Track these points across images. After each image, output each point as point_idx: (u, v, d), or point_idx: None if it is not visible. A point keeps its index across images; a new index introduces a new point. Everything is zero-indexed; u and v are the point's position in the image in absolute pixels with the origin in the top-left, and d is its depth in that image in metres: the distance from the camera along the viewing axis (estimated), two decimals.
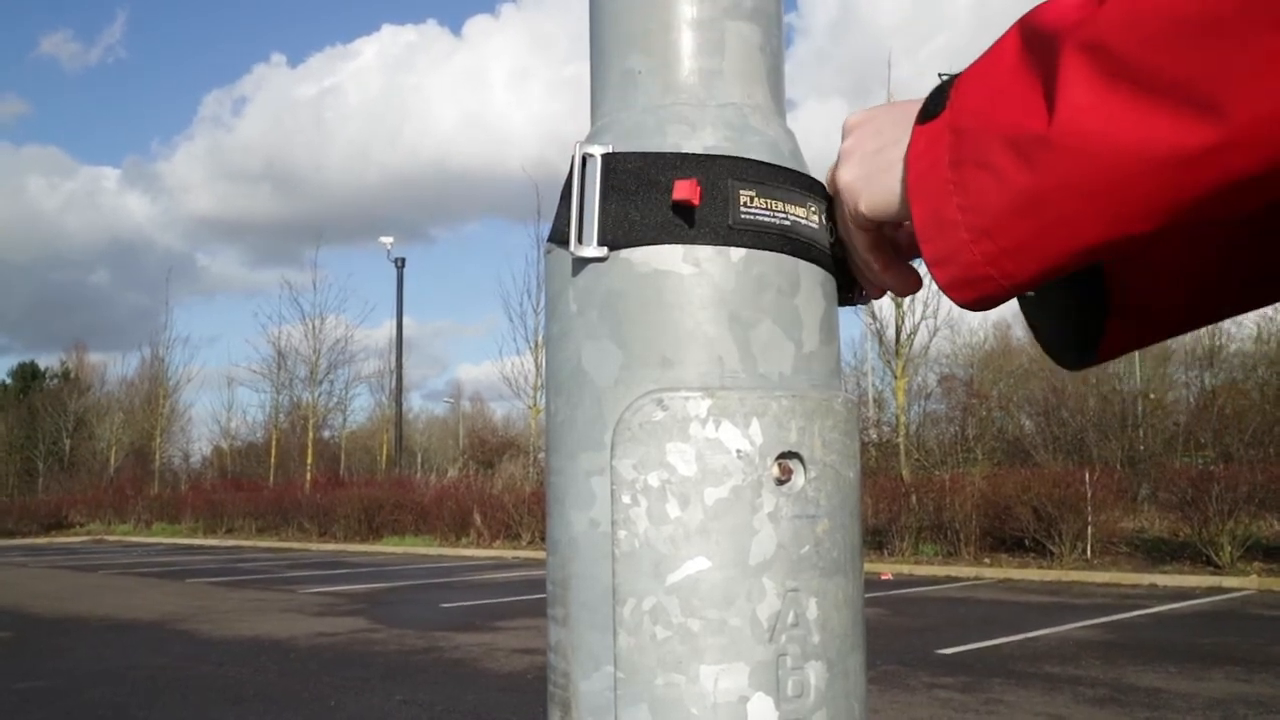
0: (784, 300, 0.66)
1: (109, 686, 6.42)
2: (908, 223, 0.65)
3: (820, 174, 0.71)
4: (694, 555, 0.62)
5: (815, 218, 0.69)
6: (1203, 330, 23.14)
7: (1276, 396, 20.24)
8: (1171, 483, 14.33)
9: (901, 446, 19.55)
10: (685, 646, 0.61)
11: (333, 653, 7.63)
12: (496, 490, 21.69)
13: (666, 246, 0.65)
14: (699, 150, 0.66)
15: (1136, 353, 21.17)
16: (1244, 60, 0.45)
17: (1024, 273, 0.57)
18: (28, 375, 44.62)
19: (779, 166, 0.68)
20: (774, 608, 0.62)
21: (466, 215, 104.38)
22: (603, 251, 0.65)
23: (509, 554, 18.03)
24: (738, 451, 0.63)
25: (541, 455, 21.02)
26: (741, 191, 0.65)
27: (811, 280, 0.68)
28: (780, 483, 0.64)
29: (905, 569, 13.76)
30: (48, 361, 50.78)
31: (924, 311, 19.29)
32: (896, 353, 19.62)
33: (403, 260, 29.05)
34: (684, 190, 0.64)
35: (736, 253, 0.65)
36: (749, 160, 0.66)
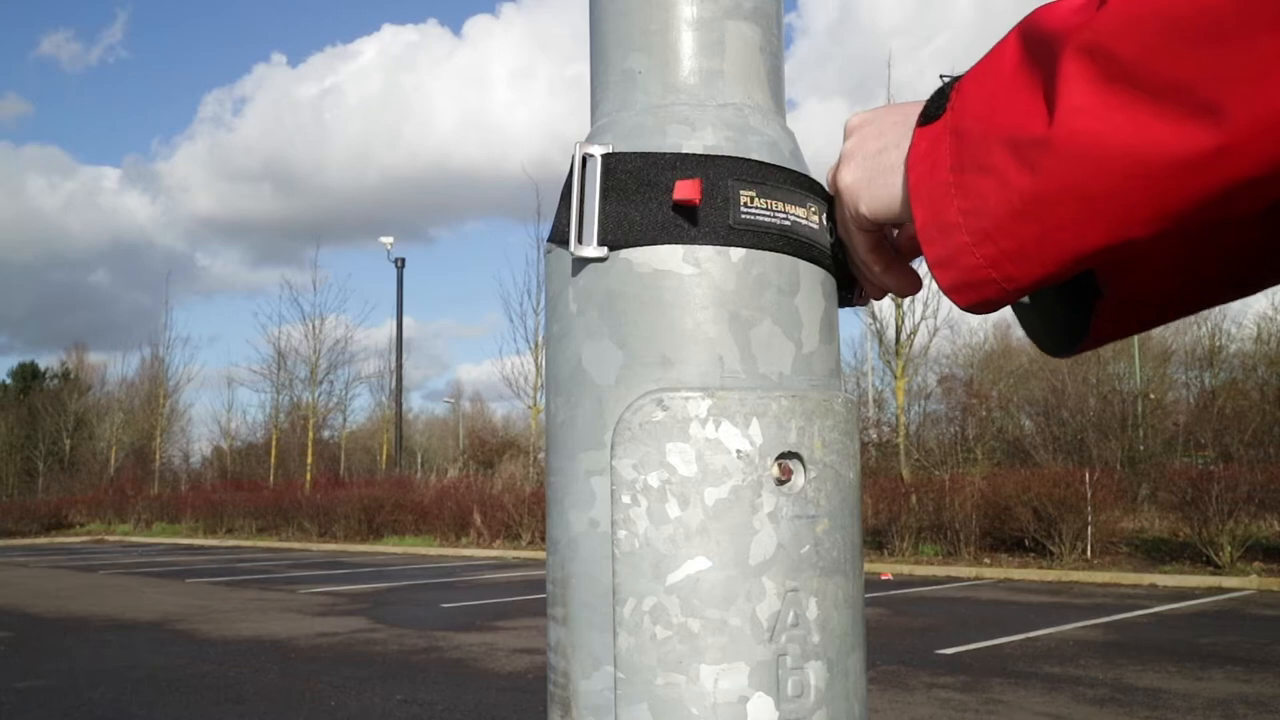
0: (784, 300, 0.66)
1: (109, 686, 6.42)
2: (908, 224, 0.65)
3: (820, 174, 0.71)
4: (694, 555, 0.62)
5: (815, 218, 0.69)
6: (1203, 330, 23.16)
7: (1276, 396, 20.23)
8: (1171, 483, 14.31)
9: (901, 447, 19.53)
10: (685, 646, 0.61)
11: (333, 653, 7.62)
12: (496, 490, 21.66)
13: (666, 246, 0.65)
14: (699, 150, 0.66)
15: (1136, 353, 21.18)
16: (1243, 63, 0.45)
17: (1026, 276, 0.57)
18: (28, 375, 44.63)
19: (779, 167, 0.68)
20: (774, 608, 0.62)
21: (466, 215, 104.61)
22: (603, 251, 0.65)
23: (509, 554, 18.01)
24: (738, 451, 0.63)
25: (541, 455, 21.02)
26: (742, 191, 0.65)
27: (811, 280, 0.68)
28: (780, 483, 0.64)
29: (905, 569, 13.75)
30: (48, 361, 50.99)
31: (924, 312, 19.31)
32: (896, 353, 19.61)
33: (403, 260, 29.13)
34: (686, 190, 0.64)
35: (736, 253, 0.65)
36: (749, 160, 0.66)
